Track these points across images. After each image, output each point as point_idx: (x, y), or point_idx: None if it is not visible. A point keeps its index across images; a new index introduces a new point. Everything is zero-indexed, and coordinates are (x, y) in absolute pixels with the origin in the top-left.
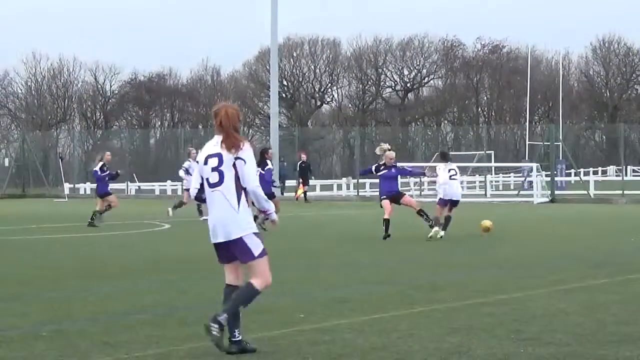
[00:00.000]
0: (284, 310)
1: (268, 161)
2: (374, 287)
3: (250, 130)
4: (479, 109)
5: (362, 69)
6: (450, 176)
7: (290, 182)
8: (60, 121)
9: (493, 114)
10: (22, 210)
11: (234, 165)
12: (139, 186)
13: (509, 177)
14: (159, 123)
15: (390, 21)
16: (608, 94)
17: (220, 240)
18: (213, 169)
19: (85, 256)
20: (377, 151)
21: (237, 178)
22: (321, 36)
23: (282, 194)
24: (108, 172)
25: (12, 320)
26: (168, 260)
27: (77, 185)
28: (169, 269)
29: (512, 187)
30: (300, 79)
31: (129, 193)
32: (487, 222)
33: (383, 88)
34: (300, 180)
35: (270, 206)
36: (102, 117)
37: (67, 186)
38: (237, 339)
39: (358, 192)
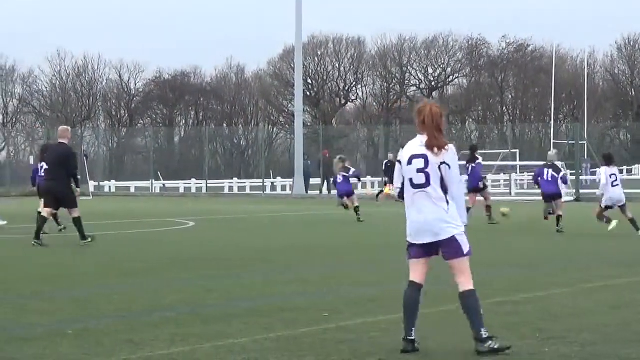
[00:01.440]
0: (308, 309)
1: (478, 157)
2: (399, 285)
3: (275, 129)
4: (504, 108)
5: (387, 67)
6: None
7: (314, 180)
8: (85, 119)
9: (518, 112)
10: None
11: (440, 168)
12: (163, 184)
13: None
14: (184, 121)
15: (415, 19)
16: (633, 92)
17: (429, 240)
18: (419, 170)
19: (110, 254)
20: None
21: (442, 179)
22: (346, 34)
23: (306, 192)
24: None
25: (37, 318)
26: (192, 258)
27: (101, 183)
28: (193, 267)
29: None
30: (325, 78)
31: (153, 191)
32: (505, 209)
33: (408, 86)
34: (386, 180)
35: (465, 219)
36: (126, 115)
37: (92, 184)
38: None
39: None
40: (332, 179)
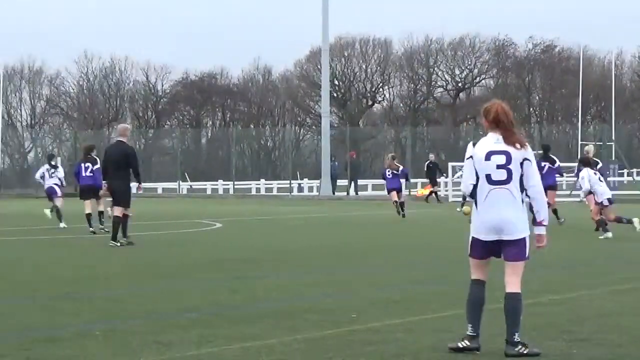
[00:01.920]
0: (335, 310)
1: (554, 157)
2: (426, 286)
3: (302, 130)
4: (531, 109)
5: (414, 68)
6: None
7: (341, 182)
8: (112, 120)
9: (545, 114)
10: (73, 209)
11: (522, 164)
12: (190, 185)
13: (561, 177)
14: (211, 123)
15: (442, 20)
16: None
17: (497, 238)
18: (499, 167)
19: (137, 255)
20: None
21: (521, 177)
22: (372, 36)
23: (333, 193)
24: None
25: (66, 319)
26: (219, 259)
27: None
28: (220, 268)
29: (564, 187)
30: (352, 79)
31: (180, 192)
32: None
33: (434, 88)
34: (428, 180)
35: (546, 214)
36: (153, 116)
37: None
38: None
39: (410, 191)
40: (385, 175)
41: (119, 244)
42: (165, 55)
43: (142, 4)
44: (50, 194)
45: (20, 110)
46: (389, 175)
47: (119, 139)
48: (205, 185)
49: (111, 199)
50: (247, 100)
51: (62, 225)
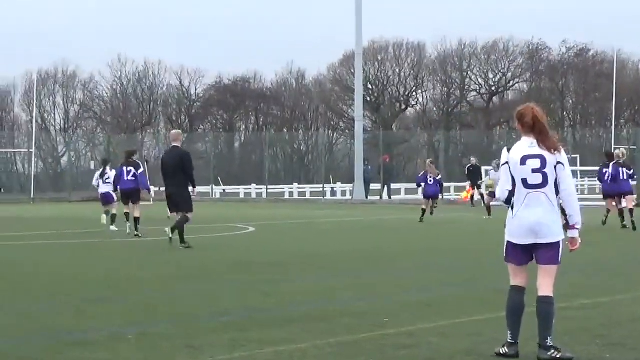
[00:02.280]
0: (367, 314)
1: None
2: (458, 290)
3: (335, 134)
4: (565, 113)
5: (447, 72)
6: None
7: (374, 186)
8: (145, 124)
9: (578, 117)
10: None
11: (555, 168)
12: (223, 189)
13: (595, 180)
14: (244, 127)
15: (475, 24)
16: None
17: (532, 241)
18: (534, 171)
19: (170, 258)
20: None
21: (556, 180)
22: (406, 39)
23: (366, 197)
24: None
25: (97, 323)
26: (252, 263)
27: (162, 189)
28: (253, 272)
29: (597, 191)
30: (385, 83)
31: (213, 196)
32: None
33: (468, 91)
34: (469, 182)
35: (579, 218)
36: (187, 120)
37: (152, 189)
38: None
39: (443, 195)
40: (424, 180)
41: (186, 245)
42: (199, 59)
43: (175, 8)
44: (107, 199)
45: (54, 114)
46: (430, 181)
47: (173, 144)
48: (239, 189)
49: (147, 203)
50: (281, 104)
51: (113, 228)
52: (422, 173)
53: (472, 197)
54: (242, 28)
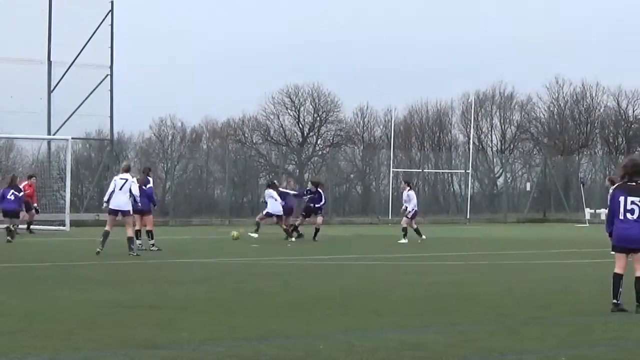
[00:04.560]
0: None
1: None
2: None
3: None
4: None
5: None
6: None
7: None
8: (581, 147)
9: None
10: (541, 234)
11: None
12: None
13: None
14: None
15: None
16: None
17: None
18: None
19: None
20: None
21: None
22: None
23: None
24: None
25: (530, 344)
26: None
27: (597, 211)
28: None
29: None
30: None
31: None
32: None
33: None
34: None
35: None
36: (624, 142)
37: (587, 211)
38: None
39: None
40: None
41: None
42: (637, 80)
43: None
44: None
45: (491, 135)
46: None
47: None
48: None
49: None
50: None
51: None
52: None
53: None
54: None
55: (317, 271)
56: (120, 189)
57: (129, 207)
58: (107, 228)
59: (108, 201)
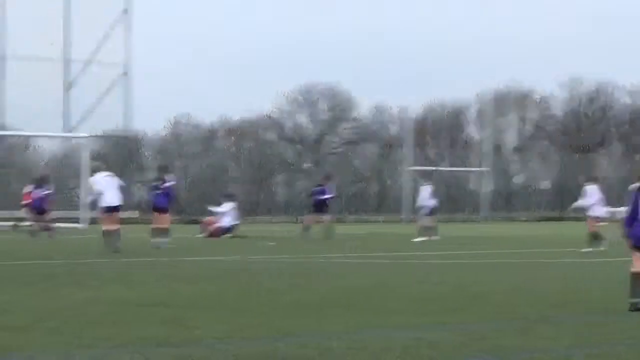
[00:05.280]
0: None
1: None
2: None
3: None
4: None
5: None
6: None
7: None
8: (598, 145)
9: None
10: (556, 232)
11: None
12: None
13: None
14: None
15: None
16: None
17: None
18: None
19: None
20: None
21: None
22: None
23: None
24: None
25: (542, 343)
26: None
27: (614, 209)
28: None
29: None
30: None
31: None
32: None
33: None
34: None
35: None
36: None
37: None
38: None
39: None
40: None
41: None
42: None
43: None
44: None
45: (507, 133)
46: None
47: None
48: None
49: None
50: None
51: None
52: None
53: None
54: None
55: (329, 269)
56: (110, 186)
57: (121, 202)
58: (107, 227)
59: (96, 202)
